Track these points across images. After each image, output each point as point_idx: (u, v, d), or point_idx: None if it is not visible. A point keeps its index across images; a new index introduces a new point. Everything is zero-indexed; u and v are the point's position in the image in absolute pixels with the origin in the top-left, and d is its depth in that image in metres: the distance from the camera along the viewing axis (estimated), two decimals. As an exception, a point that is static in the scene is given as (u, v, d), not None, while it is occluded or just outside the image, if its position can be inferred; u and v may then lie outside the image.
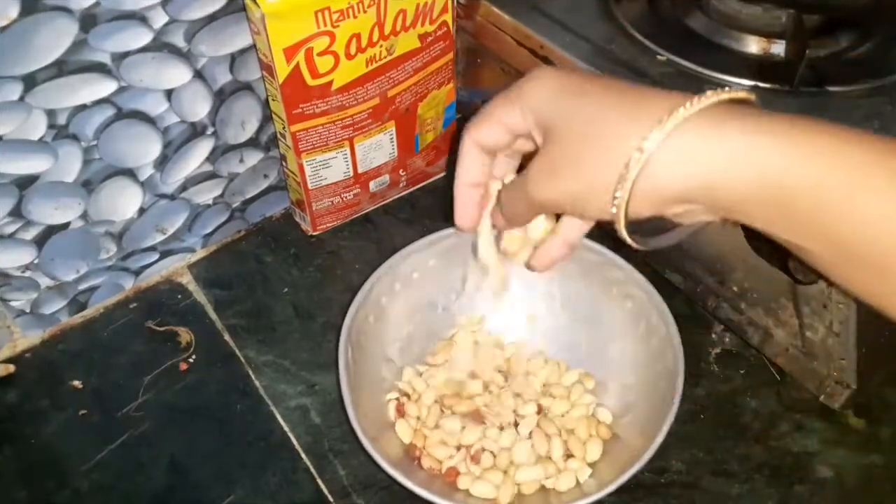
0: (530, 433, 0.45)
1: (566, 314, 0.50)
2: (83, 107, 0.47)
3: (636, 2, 0.56)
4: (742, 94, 0.29)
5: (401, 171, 0.62)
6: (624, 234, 0.30)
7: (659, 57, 0.50)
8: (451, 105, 0.61)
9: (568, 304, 0.50)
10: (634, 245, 0.32)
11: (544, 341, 0.50)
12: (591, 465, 0.44)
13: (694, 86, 0.48)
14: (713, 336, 0.51)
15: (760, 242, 0.44)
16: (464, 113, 0.64)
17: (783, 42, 0.50)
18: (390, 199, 0.63)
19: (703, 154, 0.27)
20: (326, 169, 0.56)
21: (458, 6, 0.57)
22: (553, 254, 0.37)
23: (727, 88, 0.28)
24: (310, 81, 0.50)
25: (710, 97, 0.28)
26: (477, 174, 0.36)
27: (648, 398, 0.43)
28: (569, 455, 0.44)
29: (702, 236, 0.47)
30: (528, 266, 0.38)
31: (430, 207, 0.63)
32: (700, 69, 0.49)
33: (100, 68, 0.47)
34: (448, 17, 0.54)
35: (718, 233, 0.46)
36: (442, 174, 0.65)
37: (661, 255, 0.51)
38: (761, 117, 0.28)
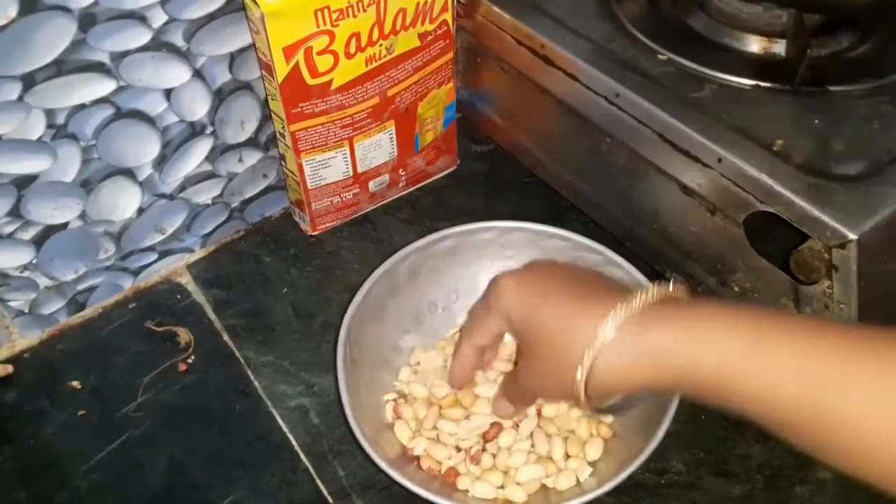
0: (531, 433, 0.45)
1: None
2: (82, 106, 0.47)
3: (637, 1, 0.56)
4: (671, 292, 0.35)
5: (400, 171, 0.61)
6: (589, 412, 0.37)
7: (660, 56, 0.50)
8: (451, 104, 0.61)
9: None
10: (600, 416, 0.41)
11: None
12: (592, 463, 0.44)
13: (693, 85, 0.48)
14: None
15: (762, 243, 0.44)
16: (464, 113, 0.64)
17: (784, 41, 0.50)
18: (390, 199, 0.63)
19: (634, 355, 0.33)
20: (326, 169, 0.56)
21: (458, 5, 0.57)
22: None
23: (654, 287, 0.34)
24: (309, 81, 0.50)
25: (639, 301, 0.33)
26: (472, 362, 0.45)
27: (648, 396, 0.43)
28: (569, 455, 0.44)
29: (702, 237, 0.47)
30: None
31: (429, 207, 0.63)
32: (701, 68, 0.49)
33: (99, 68, 0.47)
34: (448, 16, 0.54)
35: (719, 233, 0.46)
36: (442, 174, 0.65)
37: (662, 255, 0.51)
38: (679, 313, 0.33)
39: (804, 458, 0.45)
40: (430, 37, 0.54)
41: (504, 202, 0.62)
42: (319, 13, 0.47)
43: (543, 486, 0.44)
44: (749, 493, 0.45)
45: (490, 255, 0.51)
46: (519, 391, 0.43)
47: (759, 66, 0.49)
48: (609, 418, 0.45)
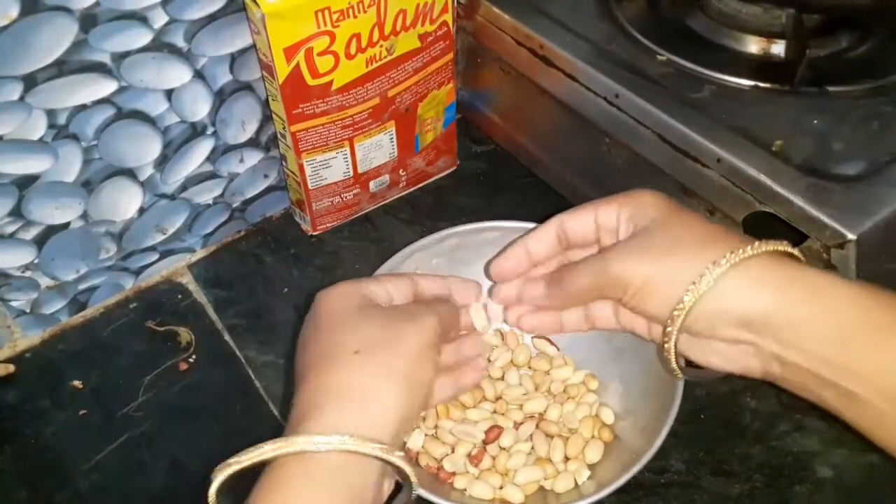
0: (531, 435, 0.45)
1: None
2: (83, 107, 0.47)
3: (636, 1, 0.56)
4: (788, 248, 0.33)
5: (401, 171, 0.61)
6: (673, 338, 0.33)
7: (659, 57, 0.50)
8: (451, 105, 0.61)
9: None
10: (672, 364, 0.35)
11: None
12: (591, 466, 0.44)
13: (693, 85, 0.48)
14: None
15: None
16: (464, 113, 0.64)
17: (783, 42, 0.50)
18: (390, 199, 0.63)
19: (758, 289, 0.31)
20: (326, 169, 0.56)
21: (458, 6, 0.57)
22: (571, 323, 0.40)
23: (784, 242, 0.32)
24: (310, 81, 0.50)
25: (768, 246, 0.32)
26: (541, 249, 0.39)
27: (650, 400, 0.43)
28: (568, 458, 0.44)
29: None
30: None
31: (430, 207, 0.63)
32: (700, 69, 0.49)
33: (100, 68, 0.47)
34: (448, 17, 0.54)
35: None
36: (442, 174, 0.65)
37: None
38: (802, 271, 0.32)
39: (803, 457, 0.45)
40: (431, 38, 0.54)
41: (504, 202, 0.62)
42: (320, 14, 0.47)
43: (541, 488, 0.44)
44: (748, 493, 0.45)
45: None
46: (597, 272, 0.35)
47: (759, 66, 0.49)
48: (611, 418, 0.45)
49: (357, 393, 0.33)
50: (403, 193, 0.64)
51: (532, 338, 0.49)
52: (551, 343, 0.49)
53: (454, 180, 0.65)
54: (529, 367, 0.48)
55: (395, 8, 0.51)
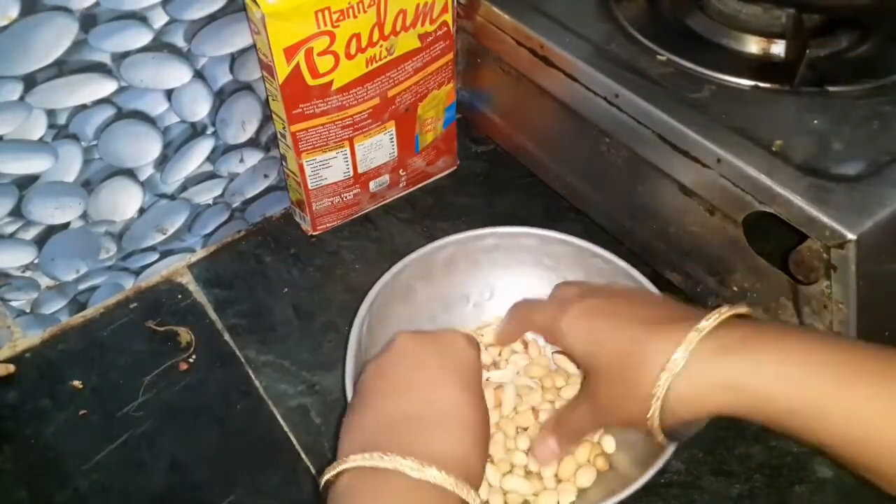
0: (527, 449, 0.45)
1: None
2: (83, 107, 0.47)
3: (636, 1, 0.56)
4: (742, 310, 0.34)
5: (401, 171, 0.62)
6: (661, 438, 0.36)
7: (659, 57, 0.50)
8: (451, 105, 0.61)
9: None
10: (658, 437, 0.36)
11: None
12: (581, 490, 0.43)
13: (693, 85, 0.48)
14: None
15: (761, 242, 0.44)
16: (464, 113, 0.64)
17: (783, 42, 0.50)
18: (390, 199, 0.63)
19: (708, 382, 0.32)
20: (326, 169, 0.56)
21: (458, 6, 0.57)
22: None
23: (724, 309, 0.33)
24: (310, 81, 0.50)
25: (710, 323, 0.33)
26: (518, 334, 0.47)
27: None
28: (560, 479, 0.43)
29: (702, 238, 0.47)
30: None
31: (430, 207, 0.63)
32: (700, 69, 0.49)
33: (100, 68, 0.47)
34: (448, 17, 0.54)
35: (718, 233, 0.46)
36: (442, 174, 0.65)
37: (661, 255, 0.51)
38: (758, 339, 0.32)
39: (803, 457, 0.45)
40: (431, 38, 0.54)
41: (504, 202, 0.62)
42: (320, 14, 0.47)
43: (525, 502, 0.43)
44: (748, 493, 0.45)
45: (530, 262, 0.51)
46: (577, 425, 0.40)
47: (759, 66, 0.49)
48: (612, 447, 0.45)
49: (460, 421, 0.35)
50: (403, 193, 0.64)
51: (554, 353, 0.49)
52: (572, 361, 0.48)
53: (454, 180, 0.65)
54: (541, 381, 0.48)
55: (396, 8, 0.51)
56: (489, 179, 0.65)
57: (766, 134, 0.44)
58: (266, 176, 0.60)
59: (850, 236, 0.38)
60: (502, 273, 0.51)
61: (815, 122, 0.45)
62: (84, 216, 0.52)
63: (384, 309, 0.47)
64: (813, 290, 0.41)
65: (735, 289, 0.47)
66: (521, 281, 0.50)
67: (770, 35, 0.51)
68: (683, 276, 0.50)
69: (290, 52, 0.48)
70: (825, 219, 0.39)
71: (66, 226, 0.52)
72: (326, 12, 0.47)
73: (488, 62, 0.59)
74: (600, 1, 0.56)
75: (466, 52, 0.60)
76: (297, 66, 0.49)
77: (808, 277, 0.41)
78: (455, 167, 0.66)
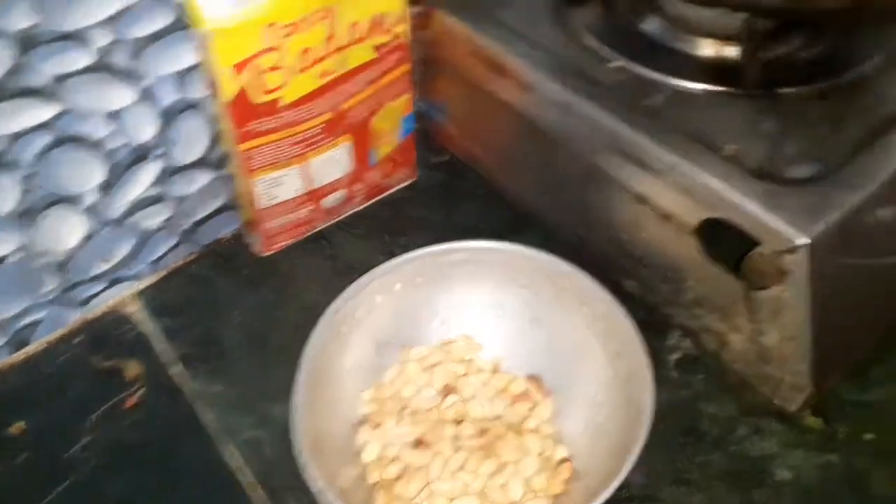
0: (474, 468, 0.47)
1: (532, 334, 0.52)
2: (21, 133, 0.48)
3: (592, 7, 0.59)
4: None
5: (356, 186, 0.64)
6: None
7: (613, 63, 0.54)
8: (408, 116, 0.63)
9: (537, 324, 0.52)
10: None
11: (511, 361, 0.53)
12: None
13: (647, 91, 0.51)
14: (672, 341, 0.54)
15: (715, 249, 0.48)
16: (422, 124, 0.67)
17: (737, 45, 0.54)
18: (346, 215, 0.65)
19: None
20: (278, 187, 0.58)
21: (413, 16, 0.60)
22: None
23: None
24: (259, 98, 0.52)
25: None
26: None
27: (614, 434, 0.45)
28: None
29: (656, 245, 0.51)
30: None
31: (387, 221, 0.65)
32: (654, 74, 0.52)
33: (39, 92, 0.48)
34: (404, 27, 0.56)
35: (672, 241, 0.49)
36: (400, 186, 0.68)
37: (616, 263, 0.54)
38: None
39: (763, 461, 0.48)
40: (386, 49, 0.57)
41: (464, 213, 0.65)
42: (267, 29, 0.49)
43: None
44: (709, 502, 0.47)
45: (499, 278, 0.53)
46: None
47: (713, 70, 0.53)
48: (565, 451, 0.47)
49: None
50: (360, 208, 0.66)
51: (527, 376, 0.51)
52: (542, 389, 0.51)
53: (413, 192, 0.67)
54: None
55: (348, 19, 0.53)
56: (448, 190, 0.67)
57: (719, 139, 0.47)
58: (217, 196, 0.62)
59: (802, 241, 0.41)
60: (469, 289, 0.53)
61: (768, 125, 0.49)
62: (23, 248, 0.53)
63: (343, 326, 0.50)
64: (767, 295, 0.44)
65: (690, 296, 0.50)
66: (490, 298, 0.53)
67: (725, 38, 0.54)
68: (639, 284, 0.54)
69: (237, 68, 0.50)
70: (777, 224, 0.42)
71: (1, 260, 0.52)
72: (274, 27, 0.49)
73: (444, 72, 0.62)
74: (556, 7, 0.59)
75: (423, 62, 0.63)
76: (246, 83, 0.51)
77: (762, 283, 0.44)
78: (414, 179, 0.68)
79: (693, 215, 0.47)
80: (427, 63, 0.63)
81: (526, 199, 0.61)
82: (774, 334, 0.46)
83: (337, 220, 0.65)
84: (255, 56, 0.50)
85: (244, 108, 0.52)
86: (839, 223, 0.43)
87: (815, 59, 0.54)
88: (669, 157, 0.47)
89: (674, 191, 0.47)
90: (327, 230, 0.64)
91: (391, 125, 0.63)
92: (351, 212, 0.65)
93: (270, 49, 0.51)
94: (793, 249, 0.42)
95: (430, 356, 0.53)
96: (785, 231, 0.42)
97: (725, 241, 0.46)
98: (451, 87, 0.62)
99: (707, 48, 0.55)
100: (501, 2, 0.60)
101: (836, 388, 0.51)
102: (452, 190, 0.67)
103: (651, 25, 0.57)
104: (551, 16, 0.59)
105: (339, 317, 0.50)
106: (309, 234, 0.64)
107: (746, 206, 0.44)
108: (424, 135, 0.69)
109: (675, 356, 0.54)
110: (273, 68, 0.51)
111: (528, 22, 0.57)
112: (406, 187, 0.68)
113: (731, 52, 0.54)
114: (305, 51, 0.52)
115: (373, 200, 0.66)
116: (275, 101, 0.53)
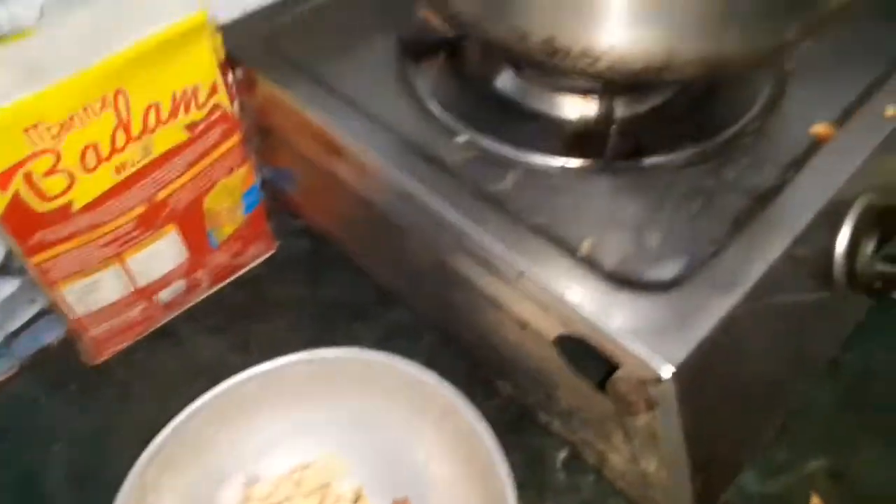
0: None
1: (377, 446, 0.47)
2: None
3: (438, 67, 0.52)
4: None
5: (198, 273, 0.57)
6: None
7: (460, 138, 0.46)
8: (250, 189, 0.56)
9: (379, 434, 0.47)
10: None
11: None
12: None
13: (495, 173, 0.44)
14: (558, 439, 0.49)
15: (579, 363, 0.41)
16: (273, 191, 0.60)
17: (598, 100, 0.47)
18: (193, 303, 0.58)
19: None
20: (95, 293, 0.51)
21: (236, 81, 0.53)
22: None
23: None
24: (42, 207, 0.45)
25: None
26: None
27: None
28: None
29: (521, 350, 0.44)
30: None
31: (243, 306, 0.58)
32: (504, 149, 0.45)
33: None
34: (221, 98, 0.50)
35: (536, 349, 0.42)
36: (254, 263, 0.61)
37: (489, 363, 0.48)
38: None
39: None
40: (202, 126, 0.50)
41: (330, 287, 0.58)
42: (32, 131, 0.42)
43: None
44: None
45: (355, 392, 0.47)
46: None
47: (572, 136, 0.47)
48: None
49: None
50: (210, 293, 0.59)
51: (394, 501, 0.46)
52: None
53: (272, 267, 0.61)
54: None
55: (142, 104, 0.46)
56: (313, 258, 0.60)
57: (574, 232, 0.41)
58: (33, 300, 0.55)
59: (666, 373, 0.35)
60: (320, 403, 0.47)
61: (631, 209, 0.42)
62: None
63: (170, 464, 0.44)
64: (639, 422, 0.39)
65: (564, 405, 0.44)
66: (347, 412, 0.47)
67: (584, 92, 0.47)
68: (514, 386, 0.48)
69: (3, 179, 0.43)
70: (636, 349, 0.36)
71: None
72: (40, 128, 0.42)
73: (278, 142, 0.55)
74: (402, 68, 0.52)
75: (258, 129, 0.56)
76: (17, 193, 0.43)
77: (629, 410, 0.38)
78: (272, 251, 0.61)
79: (548, 329, 0.40)
80: (261, 130, 0.55)
81: (386, 282, 0.54)
82: (653, 461, 0.40)
83: (183, 310, 0.58)
84: (21, 163, 0.43)
85: (25, 220, 0.45)
86: (710, 337, 0.36)
87: (684, 117, 0.48)
88: (518, 264, 0.40)
89: (526, 300, 0.40)
90: (173, 323, 0.57)
91: (230, 202, 0.56)
92: (199, 299, 0.58)
93: (43, 152, 0.43)
94: (657, 380, 0.35)
95: (277, 491, 0.47)
96: (647, 358, 0.36)
97: (589, 358, 0.39)
98: (288, 157, 0.55)
99: (567, 106, 0.48)
100: (339, 65, 0.52)
101: (739, 481, 0.45)
102: (318, 257, 0.61)
103: (505, 82, 0.50)
104: (395, 80, 0.51)
105: (163, 456, 0.44)
106: (150, 331, 0.57)
107: (602, 328, 0.37)
108: (281, 201, 0.61)
109: (562, 454, 0.48)
110: (50, 172, 0.44)
111: (367, 90, 0.50)
112: (264, 262, 0.61)
113: (593, 109, 0.47)
114: (88, 147, 0.44)
115: (224, 283, 0.60)
116: (66, 206, 0.46)
